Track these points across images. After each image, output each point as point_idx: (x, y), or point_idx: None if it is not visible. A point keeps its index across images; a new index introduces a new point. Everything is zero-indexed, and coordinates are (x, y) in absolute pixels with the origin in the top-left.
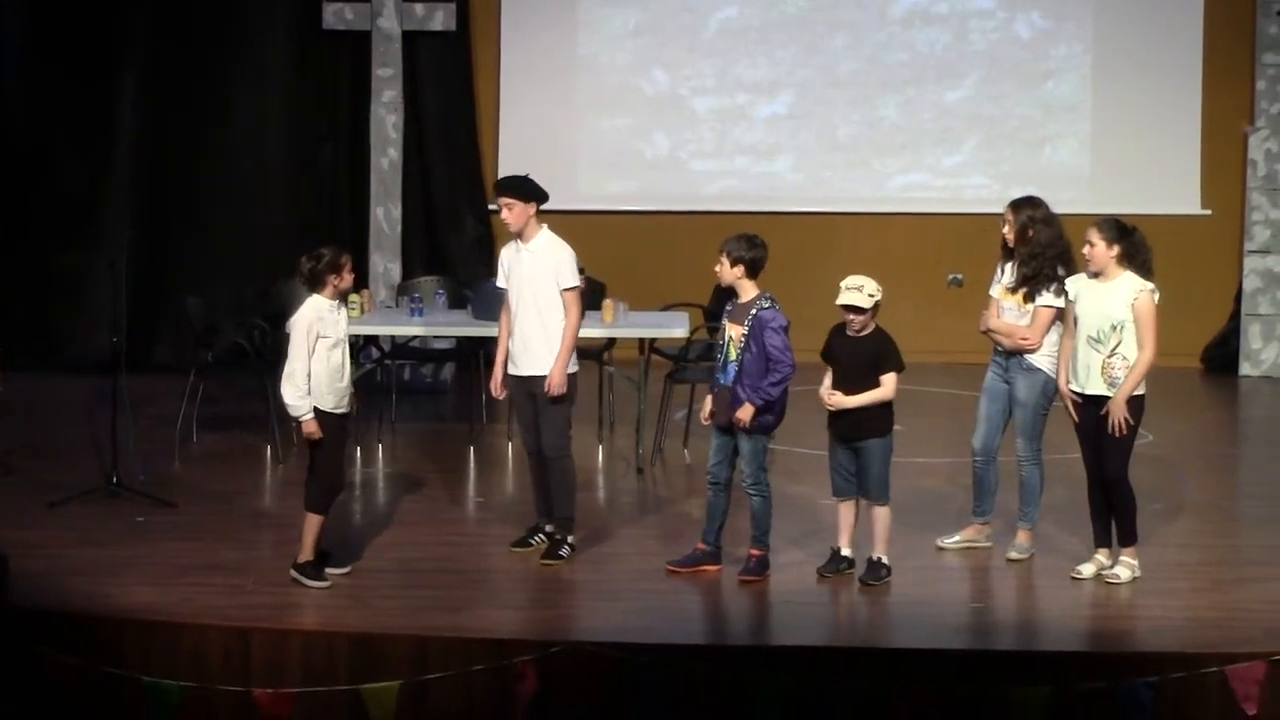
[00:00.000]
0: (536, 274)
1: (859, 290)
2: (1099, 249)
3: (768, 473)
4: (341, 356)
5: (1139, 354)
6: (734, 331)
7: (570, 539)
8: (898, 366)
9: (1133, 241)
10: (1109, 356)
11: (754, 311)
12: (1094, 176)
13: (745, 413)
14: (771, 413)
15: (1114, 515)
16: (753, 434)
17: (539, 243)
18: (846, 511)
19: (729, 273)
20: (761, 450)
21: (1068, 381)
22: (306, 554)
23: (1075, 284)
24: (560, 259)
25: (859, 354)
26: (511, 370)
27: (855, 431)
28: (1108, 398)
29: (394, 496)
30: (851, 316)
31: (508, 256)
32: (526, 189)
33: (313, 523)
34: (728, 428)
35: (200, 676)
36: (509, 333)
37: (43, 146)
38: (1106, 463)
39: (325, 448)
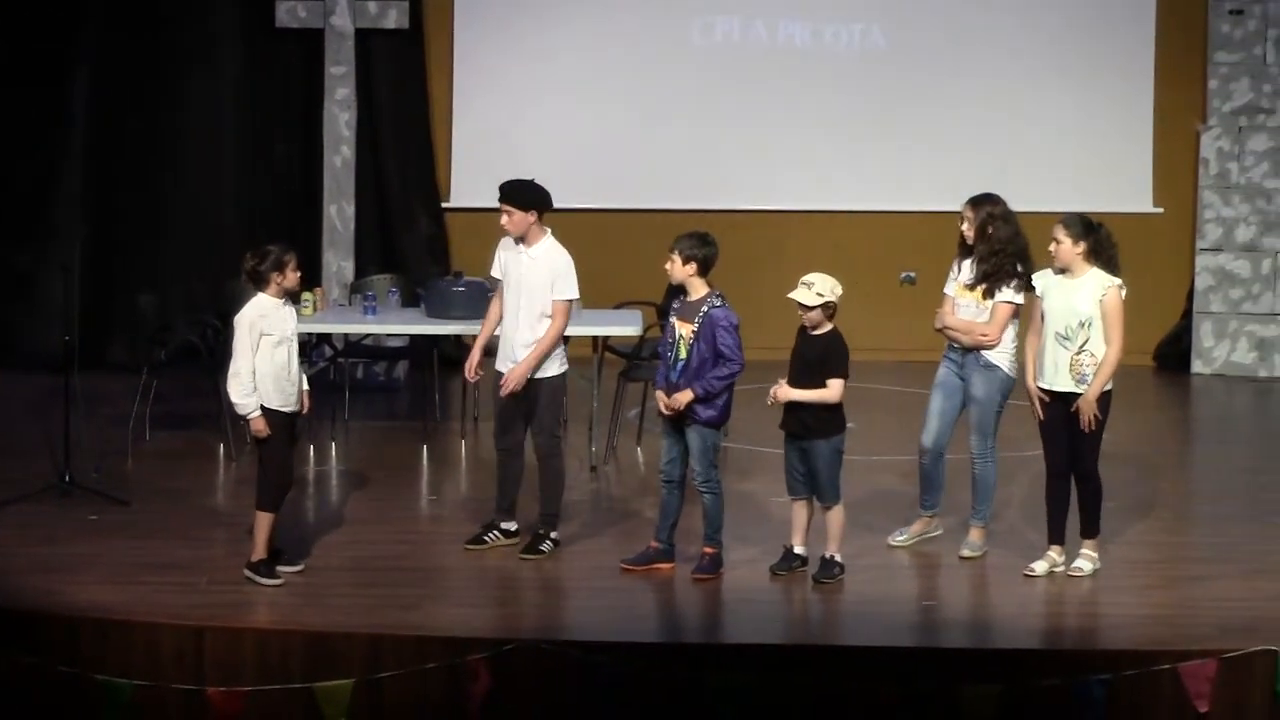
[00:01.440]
0: (533, 280)
1: (808, 288)
2: (1065, 245)
3: (719, 470)
4: (288, 355)
5: (1107, 350)
6: (684, 329)
7: (554, 535)
8: (842, 372)
9: (1098, 238)
10: (1077, 353)
11: (705, 309)
12: (1046, 174)
13: (684, 396)
14: (710, 405)
15: (1081, 508)
16: (697, 427)
17: (540, 249)
18: (799, 510)
19: (680, 270)
20: (711, 448)
21: (1034, 378)
22: (259, 552)
23: (1042, 280)
24: (559, 269)
25: (808, 352)
26: (499, 366)
27: (801, 430)
28: (1076, 395)
29: (347, 494)
30: (801, 312)
31: (506, 254)
32: (525, 196)
33: (264, 521)
34: (678, 426)
35: (153, 675)
36: (495, 325)
37: None
38: (1078, 458)
39: (273, 446)
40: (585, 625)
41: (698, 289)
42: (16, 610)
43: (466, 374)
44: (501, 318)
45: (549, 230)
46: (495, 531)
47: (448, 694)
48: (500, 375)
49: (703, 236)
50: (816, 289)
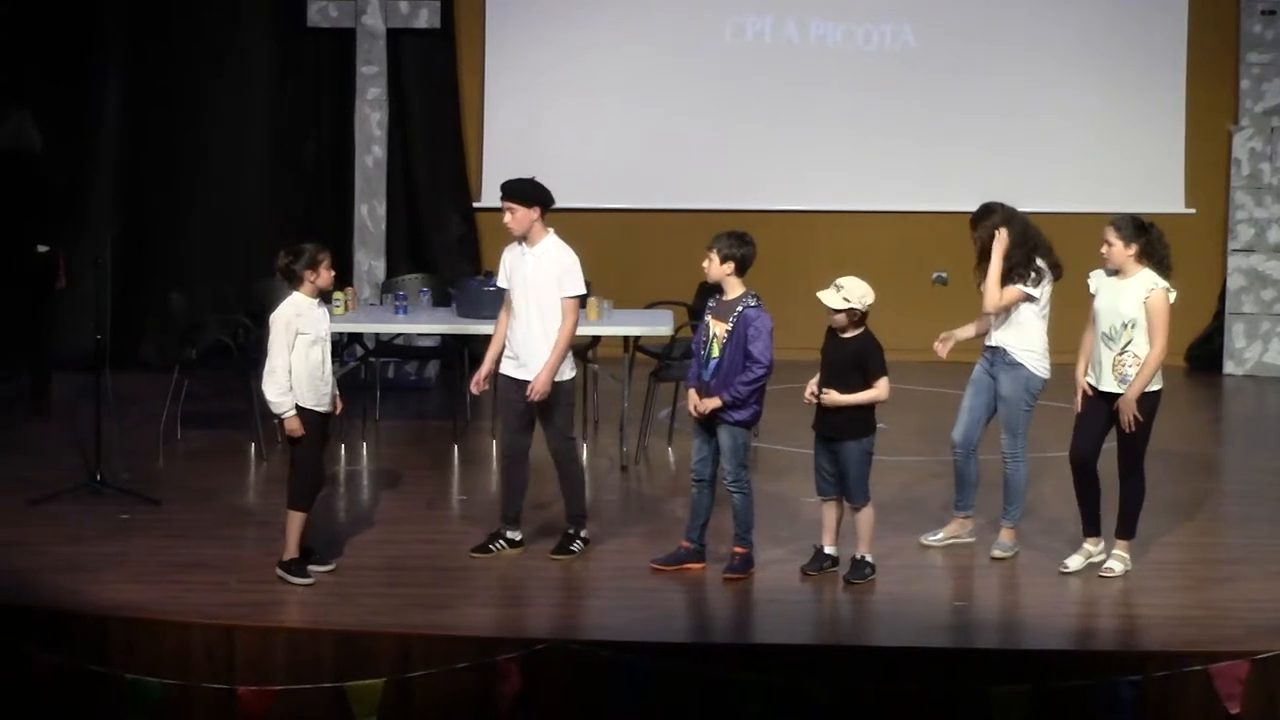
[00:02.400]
0: (540, 280)
1: (837, 290)
2: (1116, 248)
3: (749, 470)
4: (322, 354)
5: (1149, 350)
6: (719, 328)
7: (583, 534)
8: (884, 370)
9: (1150, 239)
10: (1119, 354)
11: (740, 309)
12: (1078, 175)
13: (712, 402)
14: (740, 408)
15: (1119, 507)
16: (727, 426)
17: (544, 248)
18: (829, 511)
19: (718, 269)
20: (742, 447)
21: (1084, 373)
22: (290, 551)
23: (1095, 280)
24: (565, 266)
25: (841, 354)
26: (509, 372)
27: (831, 431)
28: (1120, 395)
29: (378, 494)
30: (828, 313)
31: (510, 258)
32: (528, 193)
33: (295, 520)
34: (709, 425)
35: (184, 674)
36: (505, 333)
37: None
38: (1121, 457)
39: (306, 445)
40: (615, 625)
41: (734, 289)
42: (47, 609)
43: (473, 387)
44: (510, 322)
45: (551, 230)
46: (500, 541)
47: (478, 693)
48: (507, 380)
49: (741, 236)
50: (844, 294)
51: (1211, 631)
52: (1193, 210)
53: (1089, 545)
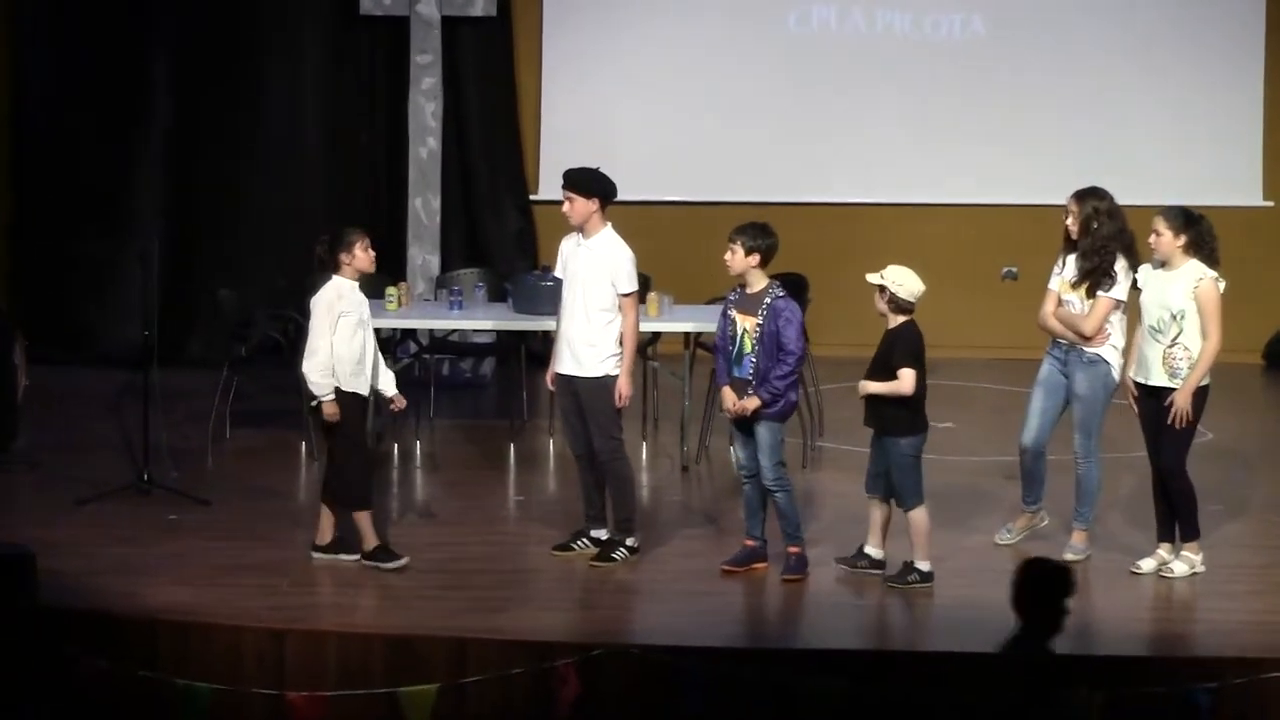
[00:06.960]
0: (592, 273)
1: (878, 272)
2: (1165, 238)
3: (785, 465)
4: (365, 337)
5: (1203, 344)
6: (747, 322)
7: (629, 541)
8: (908, 362)
9: (1199, 230)
10: (1169, 347)
11: (768, 301)
12: (1153, 167)
13: (752, 403)
14: (779, 403)
15: (1174, 510)
16: (763, 422)
17: (599, 241)
18: (875, 510)
19: (742, 262)
20: (779, 443)
21: (1132, 373)
22: (370, 541)
23: (1142, 273)
24: (619, 262)
25: (881, 347)
26: (560, 367)
27: (877, 425)
28: (1169, 389)
29: (432, 494)
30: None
31: (567, 248)
32: (589, 184)
33: (363, 519)
34: (746, 421)
35: (234, 678)
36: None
37: (73, 135)
38: (1163, 455)
39: (346, 433)
40: (675, 629)
41: (758, 281)
42: (94, 612)
43: (547, 382)
44: (560, 314)
45: (609, 223)
46: (584, 539)
47: (535, 700)
48: (561, 377)
49: (764, 227)
50: (883, 272)
51: None
52: (1271, 203)
53: (1162, 551)
